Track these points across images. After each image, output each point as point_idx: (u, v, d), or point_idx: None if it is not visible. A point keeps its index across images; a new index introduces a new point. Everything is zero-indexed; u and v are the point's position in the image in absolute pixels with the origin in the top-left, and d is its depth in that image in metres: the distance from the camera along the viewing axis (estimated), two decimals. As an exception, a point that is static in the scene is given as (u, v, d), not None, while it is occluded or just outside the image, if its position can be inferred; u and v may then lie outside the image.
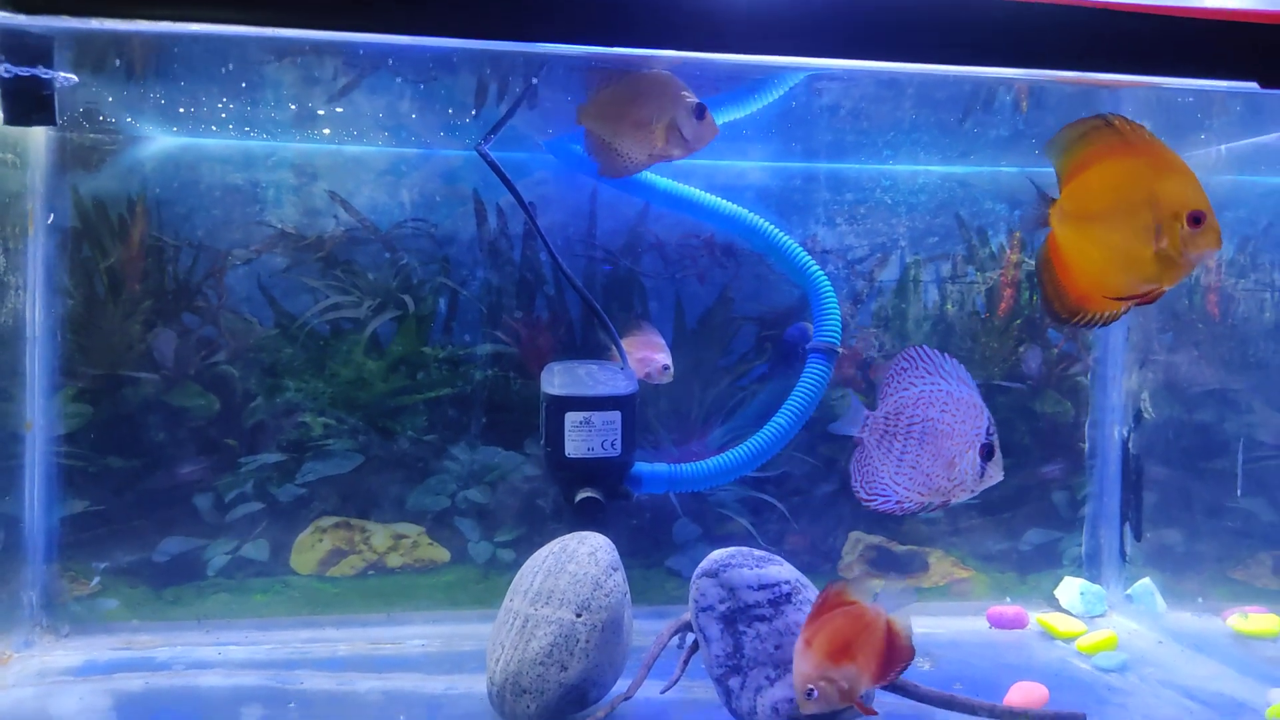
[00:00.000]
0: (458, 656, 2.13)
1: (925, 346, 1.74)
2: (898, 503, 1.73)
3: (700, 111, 1.88)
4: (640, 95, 1.86)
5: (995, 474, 1.67)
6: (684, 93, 1.87)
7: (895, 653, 1.61)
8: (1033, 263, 2.53)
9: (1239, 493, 2.25)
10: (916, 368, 1.73)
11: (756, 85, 2.11)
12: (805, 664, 1.56)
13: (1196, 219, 1.54)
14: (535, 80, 1.95)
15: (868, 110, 2.28)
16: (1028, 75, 1.88)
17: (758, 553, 1.81)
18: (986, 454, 1.66)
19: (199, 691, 1.93)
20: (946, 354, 1.73)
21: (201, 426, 2.25)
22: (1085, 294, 1.68)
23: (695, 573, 1.79)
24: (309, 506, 2.31)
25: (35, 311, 2.16)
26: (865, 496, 1.76)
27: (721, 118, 2.17)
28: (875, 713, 1.65)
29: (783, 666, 1.71)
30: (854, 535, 2.50)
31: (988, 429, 1.65)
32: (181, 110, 2.12)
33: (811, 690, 1.54)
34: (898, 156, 2.46)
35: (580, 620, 1.73)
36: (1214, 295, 2.39)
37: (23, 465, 2.16)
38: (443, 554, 2.36)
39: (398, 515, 2.34)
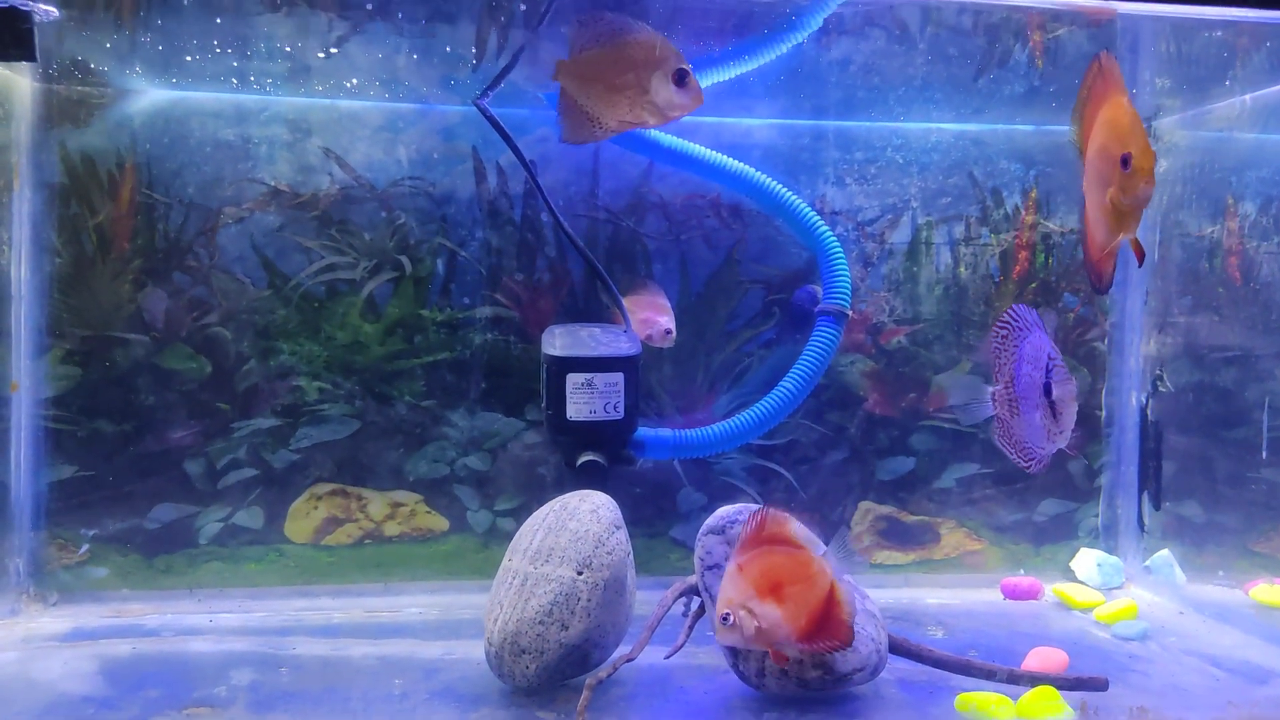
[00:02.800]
0: (456, 624, 2.08)
1: (1015, 305, 1.72)
2: (1039, 461, 1.72)
3: (681, 78, 1.75)
4: (623, 58, 1.75)
5: (1065, 409, 1.62)
6: (669, 57, 1.74)
7: (831, 623, 1.52)
8: (1050, 225, 2.48)
9: (1264, 456, 2.18)
10: (1015, 330, 1.71)
11: (769, 36, 2.06)
12: (731, 588, 1.49)
13: (1125, 161, 1.51)
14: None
15: (879, 65, 2.23)
16: (1053, 4, 1.82)
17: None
18: (1045, 392, 1.62)
19: (187, 656, 1.87)
20: (1021, 305, 1.73)
21: (193, 390, 2.19)
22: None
23: (700, 530, 1.73)
24: (304, 473, 2.24)
25: (21, 270, 2.10)
26: (1024, 462, 1.73)
27: (733, 71, 2.12)
28: (786, 659, 1.57)
29: (792, 626, 1.64)
30: (864, 505, 2.43)
31: (1047, 367, 1.60)
32: (171, 59, 2.06)
33: (728, 615, 1.47)
34: (909, 114, 2.39)
35: (581, 578, 1.67)
36: (1235, 258, 2.32)
37: (9, 429, 2.10)
38: (441, 522, 2.30)
39: (395, 483, 2.28)
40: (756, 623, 1.48)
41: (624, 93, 1.75)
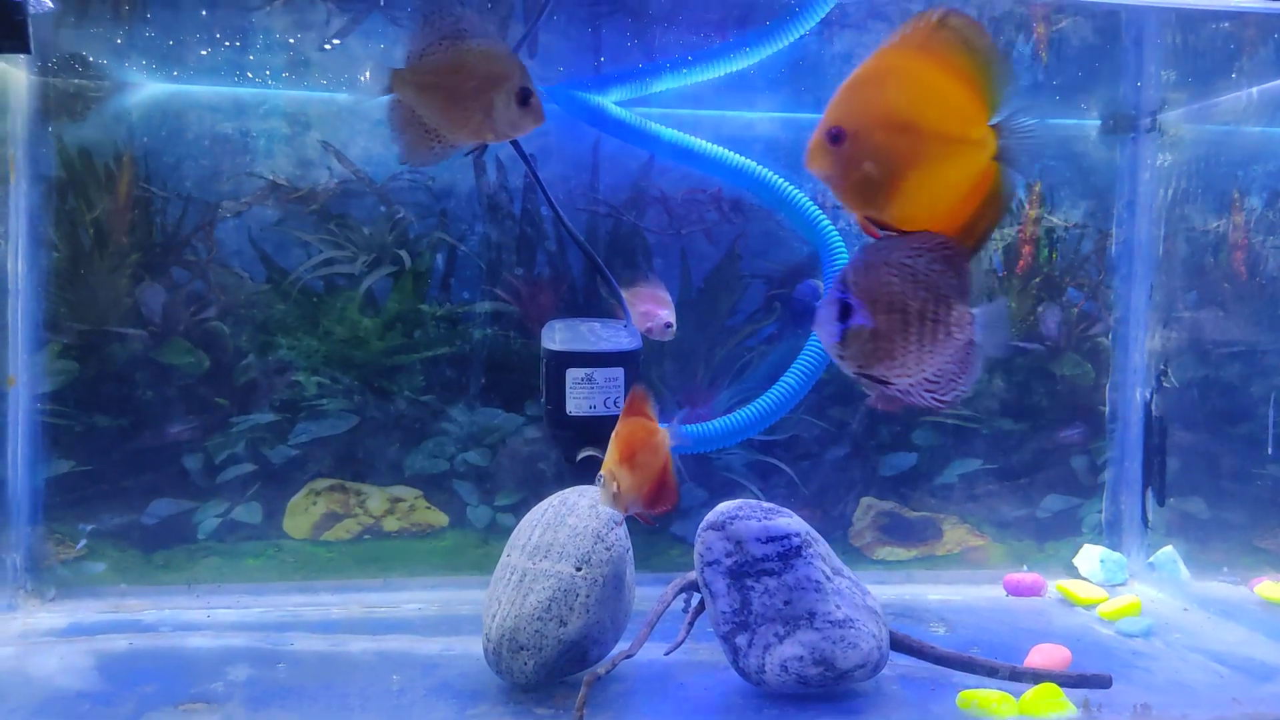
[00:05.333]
0: (455, 619, 2.06)
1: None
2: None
3: (524, 97, 1.62)
4: (465, 67, 1.60)
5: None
6: (513, 70, 1.62)
7: (664, 489, 1.62)
8: (1055, 220, 2.45)
9: (1269, 451, 2.16)
10: None
11: (771, 28, 2.05)
12: (609, 455, 1.58)
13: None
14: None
15: (881, 58, 2.20)
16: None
17: (766, 505, 1.72)
18: None
19: (184, 652, 1.86)
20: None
21: (191, 385, 2.18)
22: None
23: (700, 525, 1.71)
24: (303, 468, 2.23)
25: (18, 264, 2.09)
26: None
27: (731, 66, 2.10)
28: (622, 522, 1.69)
29: (792, 623, 1.63)
30: (865, 501, 2.42)
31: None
32: (169, 52, 2.05)
33: (601, 477, 1.57)
34: (912, 107, 2.37)
35: (580, 574, 1.65)
36: (1240, 253, 2.30)
37: (6, 424, 2.08)
38: (440, 518, 2.29)
39: (394, 478, 2.27)
40: (617, 485, 1.56)
41: (464, 106, 1.61)
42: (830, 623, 1.63)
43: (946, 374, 1.47)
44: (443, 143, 1.64)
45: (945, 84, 1.32)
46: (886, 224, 1.39)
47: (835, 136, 1.35)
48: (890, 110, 1.32)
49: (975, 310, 1.43)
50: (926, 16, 1.31)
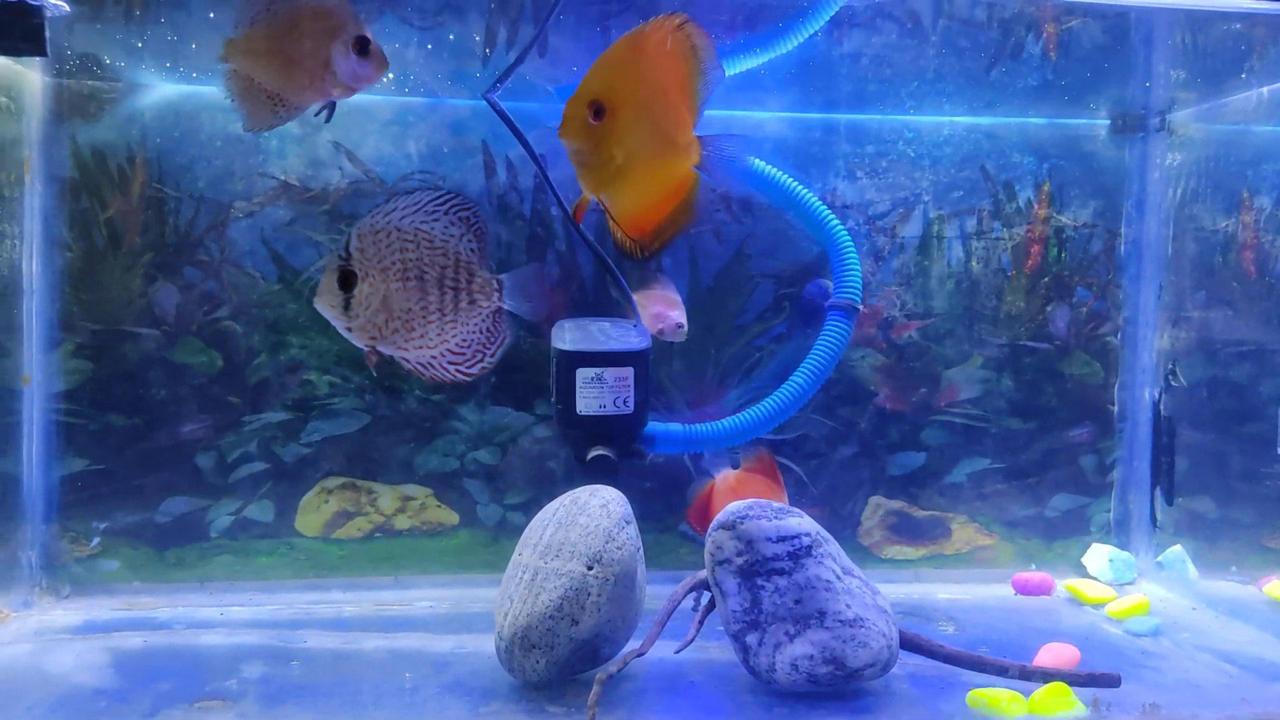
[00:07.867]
0: (466, 617, 2.08)
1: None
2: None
3: (362, 46, 1.59)
4: (297, 28, 1.59)
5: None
6: (347, 20, 1.59)
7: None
8: (1063, 218, 2.46)
9: (1278, 451, 2.16)
10: None
11: (781, 29, 2.05)
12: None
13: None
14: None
15: (891, 58, 2.21)
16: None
17: (776, 504, 1.73)
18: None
19: (199, 650, 1.87)
20: None
21: (204, 384, 2.20)
22: None
23: (711, 525, 1.72)
24: (314, 467, 2.25)
25: (33, 264, 2.11)
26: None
27: (742, 65, 2.11)
28: None
29: (803, 621, 1.64)
30: (874, 500, 2.43)
31: None
32: (182, 52, 2.06)
33: None
34: (921, 107, 2.37)
35: (592, 573, 1.66)
36: (1250, 252, 2.30)
37: (20, 422, 2.10)
38: (451, 517, 2.30)
39: (405, 477, 2.28)
40: None
41: (302, 66, 1.58)
42: (840, 622, 1.64)
43: (473, 345, 1.41)
44: (286, 106, 1.61)
45: (670, 85, 1.32)
46: (609, 213, 1.38)
47: (598, 111, 1.33)
48: (641, 97, 1.31)
49: (503, 276, 1.37)
50: (670, 17, 1.29)
